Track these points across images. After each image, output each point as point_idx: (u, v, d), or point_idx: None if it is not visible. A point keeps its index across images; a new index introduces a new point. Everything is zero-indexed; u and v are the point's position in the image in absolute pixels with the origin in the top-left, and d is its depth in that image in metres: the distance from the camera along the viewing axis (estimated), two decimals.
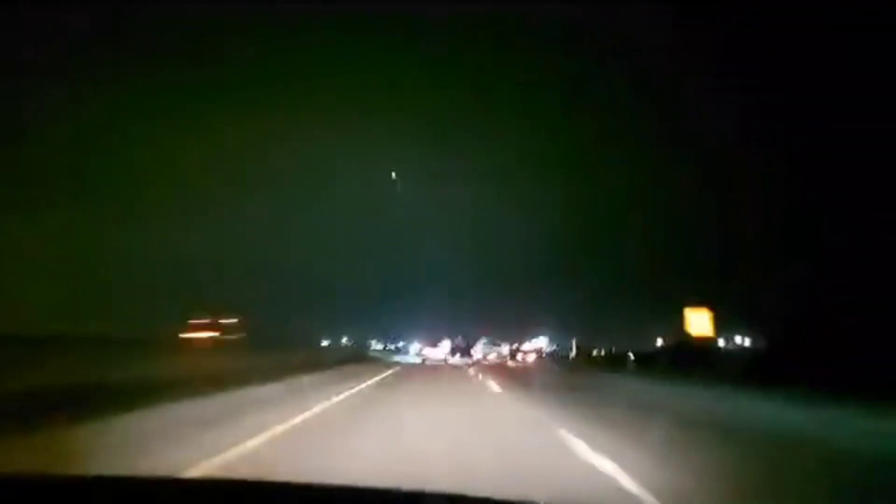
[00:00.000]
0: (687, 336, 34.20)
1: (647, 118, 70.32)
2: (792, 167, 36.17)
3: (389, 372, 27.64)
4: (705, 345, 33.26)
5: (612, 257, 66.69)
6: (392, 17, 58.37)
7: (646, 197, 74.49)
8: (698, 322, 34.22)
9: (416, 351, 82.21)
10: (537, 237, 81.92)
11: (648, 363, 35.26)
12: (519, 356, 68.72)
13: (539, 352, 72.24)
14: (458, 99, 75.70)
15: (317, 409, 11.06)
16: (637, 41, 50.91)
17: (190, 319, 27.08)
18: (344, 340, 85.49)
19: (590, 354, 61.68)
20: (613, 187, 77.25)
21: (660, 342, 43.44)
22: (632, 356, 39.23)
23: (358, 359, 34.10)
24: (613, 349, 54.49)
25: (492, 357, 65.73)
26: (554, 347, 73.98)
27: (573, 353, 67.73)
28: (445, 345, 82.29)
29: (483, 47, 71.77)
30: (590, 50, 64.68)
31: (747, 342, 37.44)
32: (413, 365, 44.21)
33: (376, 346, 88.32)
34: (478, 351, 70.61)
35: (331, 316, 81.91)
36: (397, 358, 63.96)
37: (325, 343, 79.38)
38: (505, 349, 70.71)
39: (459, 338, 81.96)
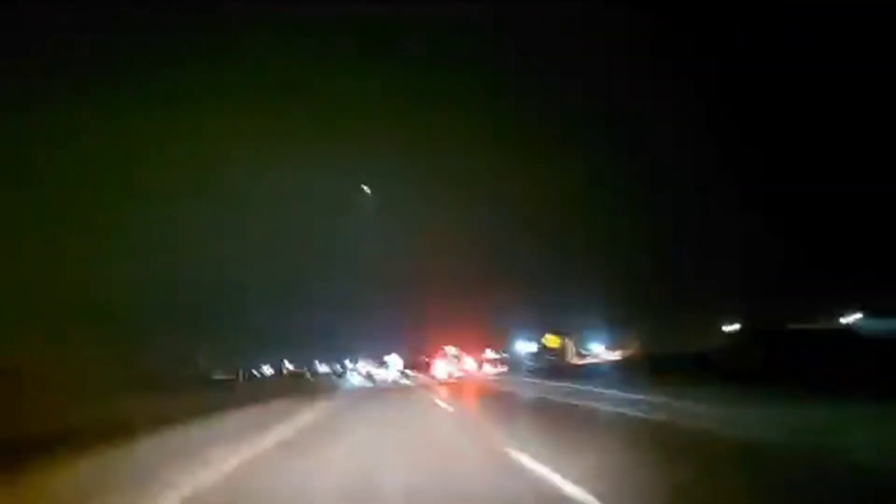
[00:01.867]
0: None
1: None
2: None
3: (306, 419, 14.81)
4: None
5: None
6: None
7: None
8: None
9: (362, 371, 68.80)
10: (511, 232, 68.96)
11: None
12: (486, 367, 56.46)
13: (493, 362, 59.87)
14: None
15: None
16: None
17: None
18: (290, 366, 71.92)
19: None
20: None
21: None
22: None
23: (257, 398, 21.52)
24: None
25: (457, 375, 52.58)
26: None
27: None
28: (395, 360, 69.21)
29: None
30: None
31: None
32: (356, 393, 31.41)
33: (322, 368, 74.47)
34: (440, 368, 56.94)
35: (272, 341, 67.46)
36: (338, 382, 51.00)
37: (268, 370, 65.87)
38: (469, 362, 57.65)
39: (407, 353, 68.68)
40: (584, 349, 50.44)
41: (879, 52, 29.29)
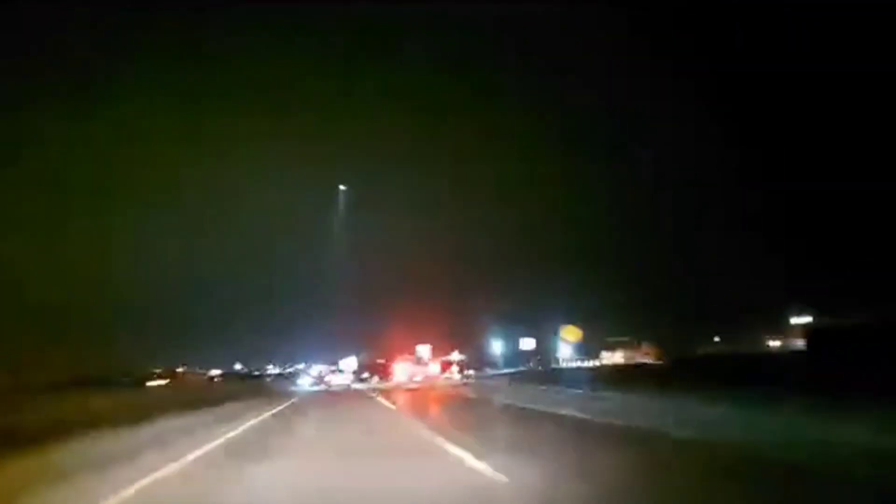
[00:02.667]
0: None
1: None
2: None
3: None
4: None
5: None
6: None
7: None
8: None
9: (316, 374, 64.58)
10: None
11: None
12: (453, 370, 53.13)
13: (461, 365, 56.84)
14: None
15: None
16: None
17: None
18: (237, 367, 67.76)
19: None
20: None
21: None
22: None
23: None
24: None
25: (418, 378, 49.10)
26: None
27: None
28: (352, 363, 65.22)
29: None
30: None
31: None
32: (305, 400, 27.98)
33: (273, 370, 70.74)
34: (399, 372, 53.20)
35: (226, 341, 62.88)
36: (292, 388, 47.00)
37: (216, 372, 61.00)
38: (432, 366, 54.05)
39: (362, 354, 64.70)
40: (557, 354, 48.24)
41: (879, 52, 28.37)
